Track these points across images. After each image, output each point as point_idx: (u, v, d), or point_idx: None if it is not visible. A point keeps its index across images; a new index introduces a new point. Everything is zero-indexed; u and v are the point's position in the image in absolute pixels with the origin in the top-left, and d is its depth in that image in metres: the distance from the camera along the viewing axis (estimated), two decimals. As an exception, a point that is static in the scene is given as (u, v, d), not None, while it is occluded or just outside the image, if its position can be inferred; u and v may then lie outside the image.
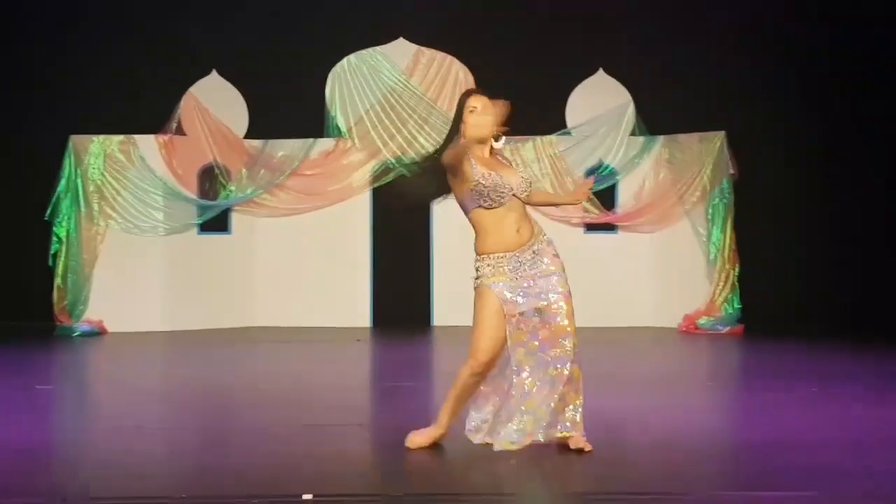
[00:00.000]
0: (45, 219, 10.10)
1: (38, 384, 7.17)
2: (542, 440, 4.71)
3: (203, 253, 10.58)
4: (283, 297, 10.69)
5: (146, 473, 4.56)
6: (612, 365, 8.28)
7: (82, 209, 10.17)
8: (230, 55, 10.59)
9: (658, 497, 4.07)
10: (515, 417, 4.70)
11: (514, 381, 4.72)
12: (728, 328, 9.94)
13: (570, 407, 4.75)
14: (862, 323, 9.86)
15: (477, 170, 4.72)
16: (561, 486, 4.24)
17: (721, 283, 10.10)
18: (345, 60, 10.71)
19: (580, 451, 4.70)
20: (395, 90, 10.70)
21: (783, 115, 10.36)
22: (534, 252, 4.82)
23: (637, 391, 6.80)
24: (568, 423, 4.73)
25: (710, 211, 10.20)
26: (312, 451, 4.92)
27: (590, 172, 10.56)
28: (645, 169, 10.56)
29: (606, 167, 10.60)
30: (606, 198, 10.63)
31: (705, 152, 10.27)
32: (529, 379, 4.71)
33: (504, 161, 4.98)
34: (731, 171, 10.11)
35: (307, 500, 3.99)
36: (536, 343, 4.74)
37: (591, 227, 10.68)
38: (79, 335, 9.87)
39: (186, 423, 5.88)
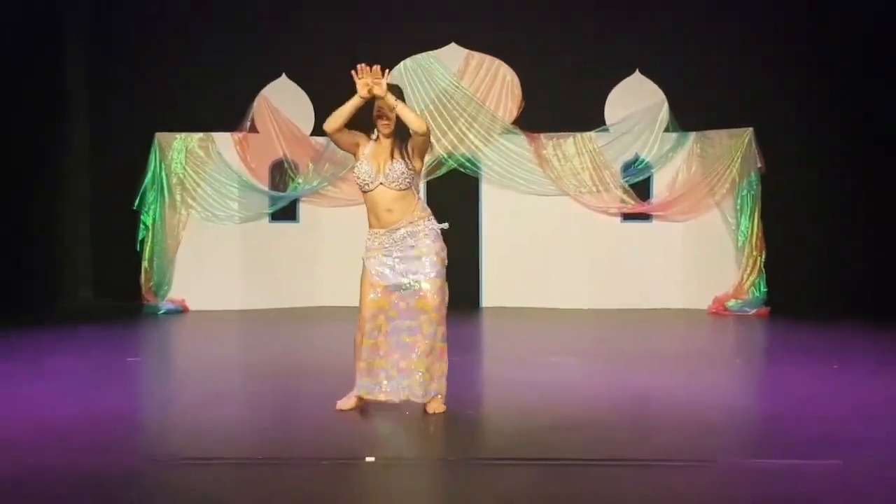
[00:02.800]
0: (134, 208, 10.28)
1: (129, 357, 7.32)
2: (395, 400, 4.97)
3: (274, 239, 10.70)
4: (347, 279, 10.65)
5: (227, 436, 4.64)
6: (644, 342, 8.26)
7: (166, 199, 10.33)
8: (298, 60, 10.67)
9: (684, 464, 4.04)
10: (373, 373, 4.99)
11: (374, 341, 4.99)
12: (755, 310, 9.83)
13: (426, 375, 4.95)
14: (880, 305, 9.70)
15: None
16: (588, 452, 4.23)
17: (748, 269, 9.99)
18: (401, 64, 10.71)
19: (434, 413, 4.97)
20: (447, 91, 10.70)
21: (807, 112, 10.19)
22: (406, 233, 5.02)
23: (667, 366, 6.76)
24: (418, 390, 4.94)
25: (739, 202, 10.08)
26: (374, 419, 4.97)
27: (625, 167, 10.53)
28: (678, 163, 10.46)
29: (642, 161, 10.52)
30: (642, 189, 10.57)
31: (734, 147, 10.15)
32: (384, 341, 4.97)
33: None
34: (759, 165, 9.98)
35: (370, 462, 4.04)
36: (396, 312, 4.98)
37: (628, 217, 10.61)
38: (163, 313, 10.04)
39: (261, 393, 5.96)
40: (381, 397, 5.00)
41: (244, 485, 3.83)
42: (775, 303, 9.89)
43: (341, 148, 5.15)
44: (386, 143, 5.03)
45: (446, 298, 5.04)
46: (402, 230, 5.00)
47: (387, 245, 5.00)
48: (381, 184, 4.97)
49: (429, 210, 5.12)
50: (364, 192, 5.04)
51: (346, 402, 5.10)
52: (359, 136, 5.08)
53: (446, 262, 5.07)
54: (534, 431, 4.66)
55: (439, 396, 5.02)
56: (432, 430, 4.79)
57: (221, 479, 3.90)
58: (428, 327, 4.94)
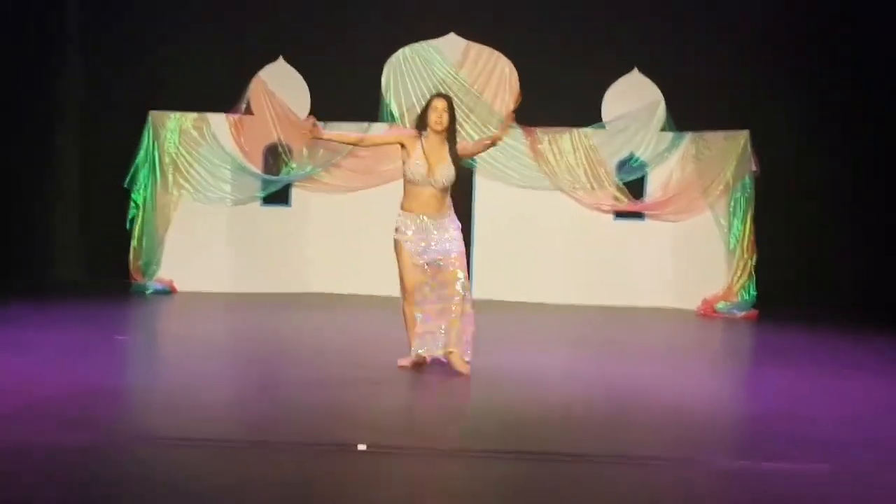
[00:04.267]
0: (125, 186, 10.19)
1: (116, 335, 7.26)
2: (439, 355, 5.82)
3: (265, 223, 10.64)
4: (337, 266, 10.72)
5: (211, 417, 4.60)
6: (632, 340, 8.25)
7: (158, 179, 10.25)
8: (296, 43, 10.61)
9: (668, 463, 4.01)
10: (427, 336, 5.79)
11: (422, 309, 5.78)
12: (743, 313, 9.83)
13: (456, 332, 5.75)
14: (870, 312, 9.74)
15: None
16: (575, 447, 4.20)
17: (739, 271, 9.98)
18: (400, 52, 10.67)
19: (459, 373, 5.73)
20: (444, 81, 10.63)
21: (803, 116, 10.23)
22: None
23: (655, 365, 6.75)
24: (451, 342, 5.74)
25: (732, 204, 10.07)
26: (365, 405, 4.93)
27: (620, 165, 10.51)
28: (672, 163, 10.44)
29: (637, 160, 10.50)
30: (636, 188, 10.55)
31: (729, 150, 10.14)
32: (430, 308, 5.78)
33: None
34: (753, 169, 9.98)
35: (361, 451, 4.00)
36: (434, 284, 5.79)
37: (620, 215, 10.59)
38: (151, 293, 9.97)
39: (248, 375, 5.93)
40: (439, 353, 5.83)
41: (229, 467, 3.79)
42: (764, 306, 9.89)
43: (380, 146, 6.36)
44: (436, 141, 5.73)
45: (467, 272, 5.85)
46: (431, 221, 5.75)
47: (417, 228, 5.74)
48: (430, 184, 5.70)
49: (452, 206, 5.89)
50: (409, 183, 5.75)
51: (407, 360, 5.84)
52: (401, 138, 5.86)
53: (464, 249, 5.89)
54: (521, 425, 4.64)
55: (465, 359, 5.76)
56: (423, 420, 4.75)
57: (207, 460, 3.86)
58: (456, 295, 5.70)
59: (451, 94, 10.47)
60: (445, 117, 5.74)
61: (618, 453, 4.12)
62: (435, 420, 4.83)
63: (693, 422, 4.88)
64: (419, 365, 5.87)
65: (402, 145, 5.79)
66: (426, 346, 5.84)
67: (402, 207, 5.85)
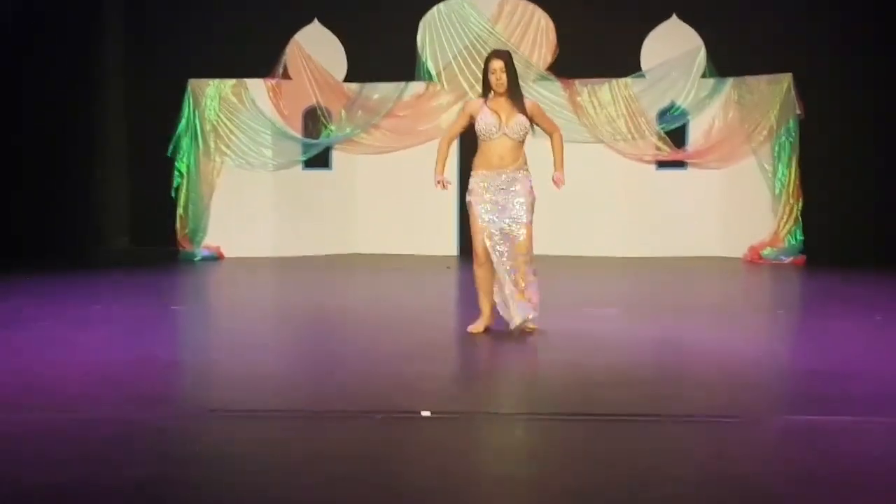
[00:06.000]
0: (168, 155, 10.24)
1: (170, 304, 7.33)
2: (517, 321, 5.67)
3: (307, 187, 10.67)
4: (380, 227, 10.75)
5: (275, 388, 4.62)
6: (683, 292, 8.20)
7: (200, 146, 10.30)
8: (330, 4, 10.53)
9: (731, 421, 3.98)
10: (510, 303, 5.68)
11: (495, 276, 5.73)
12: (791, 258, 9.74)
13: (527, 302, 5.70)
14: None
15: None
16: (636, 407, 4.19)
17: (785, 217, 9.87)
18: (435, 9, 10.56)
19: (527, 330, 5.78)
20: (480, 37, 10.53)
21: (849, 57, 9.95)
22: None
23: (709, 320, 6.68)
24: (521, 314, 5.69)
25: (777, 149, 9.92)
26: (423, 370, 4.95)
27: (661, 114, 10.36)
28: (715, 109, 10.29)
29: (678, 108, 10.35)
30: (678, 136, 10.41)
31: (773, 94, 9.95)
32: (500, 276, 5.68)
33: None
34: (798, 112, 9.79)
35: (426, 417, 4.02)
36: (502, 251, 5.69)
37: (663, 164, 10.48)
38: (199, 260, 10.07)
39: (306, 344, 5.95)
40: (517, 319, 5.66)
41: (297, 438, 3.81)
42: (811, 252, 9.77)
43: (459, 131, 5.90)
44: (503, 100, 5.65)
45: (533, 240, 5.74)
46: (505, 175, 5.64)
47: (489, 185, 5.64)
48: (504, 134, 5.62)
49: (526, 161, 5.73)
50: (483, 140, 5.64)
51: (476, 326, 5.78)
52: (468, 111, 5.73)
53: (534, 209, 5.73)
54: (582, 385, 4.63)
55: (532, 317, 5.73)
56: (485, 386, 4.76)
57: (274, 432, 3.89)
58: (524, 266, 5.64)
59: (487, 49, 10.52)
60: (504, 77, 5.60)
61: (680, 413, 4.10)
62: (495, 383, 4.84)
63: (759, 377, 4.84)
64: (488, 330, 5.80)
65: (471, 115, 5.69)
66: (505, 312, 5.73)
67: (476, 167, 5.70)
